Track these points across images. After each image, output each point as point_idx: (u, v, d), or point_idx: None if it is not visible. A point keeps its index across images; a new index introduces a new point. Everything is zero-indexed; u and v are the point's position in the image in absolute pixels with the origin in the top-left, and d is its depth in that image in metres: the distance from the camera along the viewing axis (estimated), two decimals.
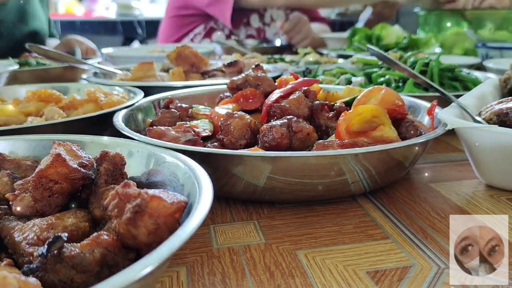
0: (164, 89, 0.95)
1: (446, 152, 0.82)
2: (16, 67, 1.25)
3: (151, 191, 0.38)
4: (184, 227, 0.34)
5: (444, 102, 0.75)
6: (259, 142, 0.63)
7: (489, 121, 0.65)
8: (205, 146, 0.64)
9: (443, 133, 0.63)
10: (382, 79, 1.10)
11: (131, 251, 0.37)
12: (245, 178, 0.56)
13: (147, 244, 0.36)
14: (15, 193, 0.46)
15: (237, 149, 0.63)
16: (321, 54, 1.78)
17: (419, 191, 0.65)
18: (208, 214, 0.37)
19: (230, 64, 1.19)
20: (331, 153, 0.55)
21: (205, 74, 1.19)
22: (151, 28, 4.82)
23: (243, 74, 0.80)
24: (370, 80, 1.13)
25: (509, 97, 0.70)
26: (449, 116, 0.64)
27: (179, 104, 0.79)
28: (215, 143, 0.66)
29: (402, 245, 0.51)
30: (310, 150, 0.60)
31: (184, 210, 0.38)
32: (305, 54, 1.77)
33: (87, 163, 0.47)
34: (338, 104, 0.71)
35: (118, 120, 0.70)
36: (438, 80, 1.06)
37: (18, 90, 0.99)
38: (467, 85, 1.06)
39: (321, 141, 0.60)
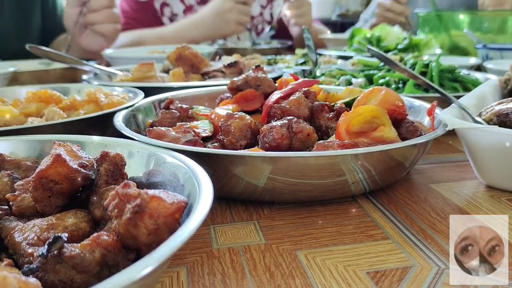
0: (164, 89, 0.96)
1: (446, 152, 0.82)
2: (16, 68, 1.25)
3: (151, 192, 0.38)
4: (184, 227, 0.34)
5: (444, 103, 0.75)
6: (259, 142, 0.63)
7: (489, 121, 0.65)
8: (205, 147, 0.64)
9: (443, 134, 0.63)
10: (382, 80, 1.10)
11: (131, 251, 0.37)
12: (245, 178, 0.56)
13: (147, 244, 0.36)
14: (16, 193, 0.46)
15: (237, 149, 0.63)
16: (320, 54, 1.78)
17: (419, 191, 0.65)
18: (208, 215, 0.37)
19: (230, 65, 1.19)
20: (331, 154, 0.55)
21: (205, 75, 1.19)
22: None
23: (243, 75, 0.80)
24: (370, 81, 1.13)
25: (509, 98, 0.70)
26: (449, 117, 0.64)
27: (179, 105, 0.79)
28: (215, 144, 0.66)
29: (402, 245, 0.51)
30: (310, 151, 0.60)
31: (184, 210, 0.38)
32: (303, 54, 1.77)
33: (87, 163, 0.47)
34: (338, 104, 0.71)
35: (119, 120, 0.70)
36: (438, 81, 1.06)
37: (19, 91, 0.99)
38: (467, 86, 1.06)
39: (321, 141, 0.60)
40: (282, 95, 0.71)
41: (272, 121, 0.66)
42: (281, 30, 2.60)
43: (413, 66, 1.12)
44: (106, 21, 1.58)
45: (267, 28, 2.54)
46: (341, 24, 4.68)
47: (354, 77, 1.15)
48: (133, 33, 2.17)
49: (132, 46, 2.04)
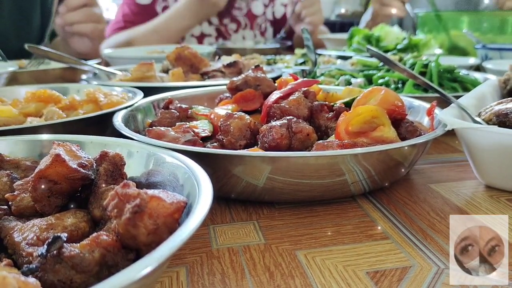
0: (163, 89, 0.95)
1: (445, 152, 0.82)
2: (15, 68, 1.25)
3: (150, 191, 0.38)
4: (184, 227, 0.34)
5: (444, 103, 0.75)
6: (259, 142, 0.63)
7: (488, 121, 0.65)
8: (204, 147, 0.64)
9: (442, 134, 0.63)
10: (381, 80, 1.10)
11: (131, 251, 0.37)
12: (245, 178, 0.56)
13: (146, 244, 0.36)
14: (15, 193, 0.46)
15: (236, 149, 0.63)
16: (319, 54, 1.78)
17: (418, 191, 0.65)
18: (208, 215, 0.37)
19: (229, 65, 1.19)
20: (331, 154, 0.55)
21: (204, 75, 1.19)
22: None
23: (242, 75, 0.80)
24: (369, 81, 1.13)
25: (509, 98, 0.70)
26: (448, 117, 0.64)
27: (178, 105, 0.79)
28: (215, 144, 0.66)
29: (401, 245, 0.51)
30: (309, 151, 0.60)
31: (183, 210, 0.38)
32: (302, 54, 1.77)
33: (87, 163, 0.47)
34: (337, 104, 0.71)
35: (118, 120, 0.70)
36: (438, 81, 1.06)
37: (18, 91, 0.99)
38: (467, 86, 1.06)
39: (320, 141, 0.60)
40: (281, 95, 0.71)
41: (271, 121, 0.66)
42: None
43: (412, 66, 1.12)
44: (85, 20, 1.54)
45: (282, 32, 2.53)
46: (341, 24, 4.67)
47: (354, 77, 1.15)
48: (126, 33, 2.17)
49: (127, 46, 2.03)
